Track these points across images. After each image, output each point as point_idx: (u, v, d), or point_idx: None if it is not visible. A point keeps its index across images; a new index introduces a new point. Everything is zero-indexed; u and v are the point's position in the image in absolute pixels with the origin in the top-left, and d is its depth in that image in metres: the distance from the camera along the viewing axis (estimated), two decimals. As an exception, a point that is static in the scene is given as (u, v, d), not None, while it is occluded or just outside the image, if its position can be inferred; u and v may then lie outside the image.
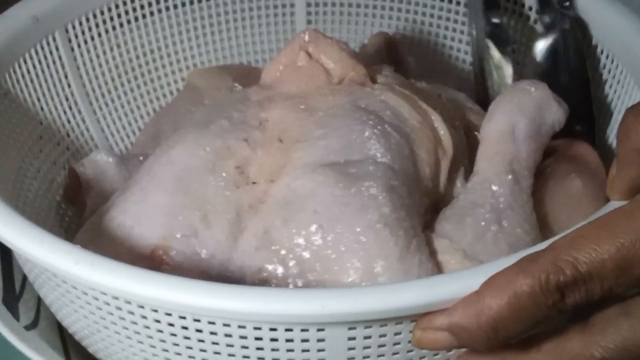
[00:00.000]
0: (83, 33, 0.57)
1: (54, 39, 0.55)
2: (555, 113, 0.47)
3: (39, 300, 0.49)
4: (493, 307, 0.31)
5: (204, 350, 0.35)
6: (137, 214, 0.44)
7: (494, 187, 0.45)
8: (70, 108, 0.57)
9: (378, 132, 0.44)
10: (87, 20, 0.57)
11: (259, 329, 0.34)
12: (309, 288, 0.39)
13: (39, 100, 0.54)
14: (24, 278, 0.50)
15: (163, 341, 0.36)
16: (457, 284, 0.33)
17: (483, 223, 0.43)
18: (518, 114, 0.46)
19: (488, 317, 0.31)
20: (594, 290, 0.31)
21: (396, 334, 0.35)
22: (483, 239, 0.43)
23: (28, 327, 0.46)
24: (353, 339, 0.34)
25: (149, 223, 0.43)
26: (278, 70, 0.49)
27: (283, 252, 0.41)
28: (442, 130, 0.47)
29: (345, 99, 0.47)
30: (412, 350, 0.35)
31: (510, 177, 0.45)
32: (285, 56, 0.49)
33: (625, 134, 0.33)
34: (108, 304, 0.36)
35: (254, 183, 0.44)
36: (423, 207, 0.44)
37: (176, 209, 0.43)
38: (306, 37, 0.48)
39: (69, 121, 0.57)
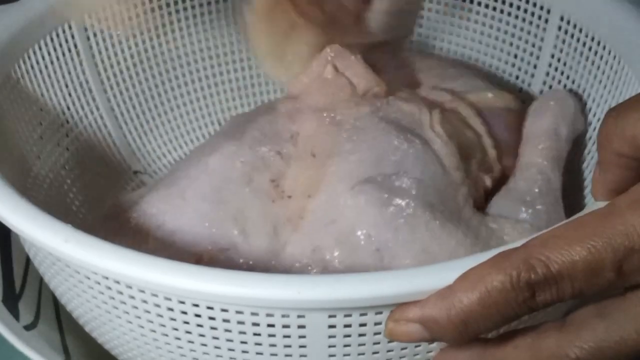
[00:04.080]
0: (99, 22, 0.58)
1: (70, 27, 0.56)
2: (581, 123, 0.53)
3: (39, 300, 0.50)
4: (464, 301, 0.32)
5: (189, 332, 0.36)
6: (179, 220, 0.45)
7: (544, 173, 0.50)
8: (84, 95, 0.58)
9: (403, 141, 0.46)
10: (104, 9, 0.58)
11: (241, 312, 0.34)
12: (288, 274, 0.40)
13: (52, 86, 0.55)
14: (24, 278, 0.51)
15: (150, 322, 0.37)
16: (432, 276, 0.33)
17: (536, 194, 0.49)
18: (561, 119, 0.53)
19: (459, 311, 0.32)
20: (565, 290, 0.32)
21: (376, 323, 0.35)
22: (535, 209, 0.48)
23: (28, 327, 0.47)
24: (333, 326, 0.35)
25: (192, 232, 0.45)
26: (305, 83, 0.51)
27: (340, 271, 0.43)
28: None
29: (369, 110, 0.48)
30: (393, 340, 0.36)
31: (555, 167, 0.50)
32: (312, 70, 0.51)
33: (605, 136, 0.33)
34: (110, 288, 0.37)
35: (289, 197, 0.45)
36: (462, 196, 0.46)
37: (217, 221, 0.44)
38: (332, 53, 0.50)
39: (82, 107, 0.58)
